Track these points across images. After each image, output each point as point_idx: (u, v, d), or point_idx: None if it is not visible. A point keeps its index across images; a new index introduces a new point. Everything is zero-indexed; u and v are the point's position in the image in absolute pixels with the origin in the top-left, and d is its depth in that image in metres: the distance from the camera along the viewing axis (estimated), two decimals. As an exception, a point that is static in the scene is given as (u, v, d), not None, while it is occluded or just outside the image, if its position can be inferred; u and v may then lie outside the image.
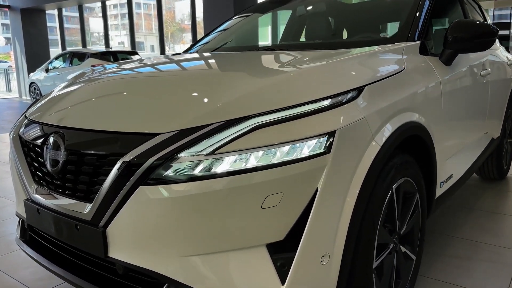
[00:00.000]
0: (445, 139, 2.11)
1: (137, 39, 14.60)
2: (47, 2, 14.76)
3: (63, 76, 11.69)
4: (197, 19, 11.84)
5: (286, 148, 1.30)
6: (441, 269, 2.27)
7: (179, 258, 1.31)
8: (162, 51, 12.27)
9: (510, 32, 15.39)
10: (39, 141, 1.63)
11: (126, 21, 14.27)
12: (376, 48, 1.91)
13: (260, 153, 1.28)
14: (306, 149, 1.31)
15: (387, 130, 1.55)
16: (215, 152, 1.28)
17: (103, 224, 1.37)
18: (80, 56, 11.75)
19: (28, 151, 1.72)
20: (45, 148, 1.58)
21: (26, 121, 1.83)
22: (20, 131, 1.79)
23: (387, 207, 1.60)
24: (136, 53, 11.89)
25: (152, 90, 1.63)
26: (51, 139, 1.56)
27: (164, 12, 12.92)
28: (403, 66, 1.81)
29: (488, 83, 2.83)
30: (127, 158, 1.32)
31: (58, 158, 1.51)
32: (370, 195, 1.46)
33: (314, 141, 1.32)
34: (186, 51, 2.92)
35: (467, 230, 2.78)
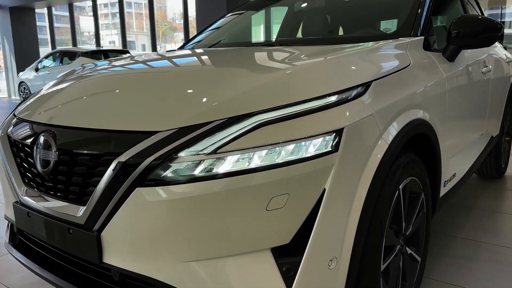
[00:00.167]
0: (449, 137, 2.06)
1: (128, 38, 14.46)
2: (36, 0, 14.56)
3: (53, 75, 11.52)
4: (189, 18, 11.74)
5: (291, 146, 1.23)
6: (445, 270, 2.22)
7: (179, 263, 1.24)
8: (154, 50, 12.15)
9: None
10: (28, 141, 1.55)
11: (117, 20, 14.14)
12: (380, 43, 1.85)
13: (265, 152, 1.21)
14: (313, 147, 1.25)
15: (395, 128, 1.49)
16: (217, 151, 1.21)
17: (98, 228, 1.30)
18: (71, 55, 11.59)
19: (17, 151, 1.63)
20: (35, 148, 1.49)
21: (15, 120, 1.74)
22: (9, 130, 1.70)
23: (394, 208, 1.54)
24: (128, 52, 11.77)
25: (149, 86, 1.55)
26: (41, 139, 1.48)
27: (155, 11, 12.79)
28: (409, 62, 1.75)
29: (489, 80, 2.79)
30: (123, 158, 1.24)
31: (49, 158, 1.43)
32: (378, 196, 1.40)
33: (321, 139, 1.26)
34: (180, 48, 2.84)
35: (468, 230, 2.73)
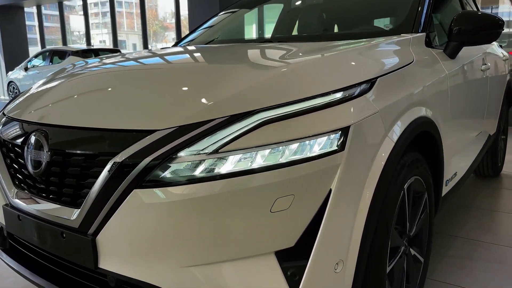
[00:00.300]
0: (451, 135, 2.03)
1: (119, 38, 14.32)
2: (25, -1, 14.38)
3: (42, 74, 11.36)
4: (181, 17, 11.64)
5: (296, 145, 1.18)
6: (446, 271, 2.19)
7: (179, 268, 1.18)
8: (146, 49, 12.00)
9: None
10: (19, 141, 1.47)
11: (107, 19, 13.99)
12: (382, 39, 1.80)
13: (269, 151, 1.16)
14: (319, 146, 1.20)
15: (400, 126, 1.45)
16: (219, 151, 1.15)
17: (93, 231, 1.23)
18: (61, 54, 11.44)
19: (6, 151, 1.56)
20: (26, 148, 1.42)
21: (4, 119, 1.67)
22: (-2, 129, 1.63)
23: (399, 208, 1.49)
24: (119, 51, 11.64)
25: (145, 83, 1.48)
26: (32, 138, 1.41)
27: (147, 10, 12.67)
28: (412, 58, 1.70)
29: (487, 78, 2.76)
30: (119, 158, 1.18)
31: (40, 159, 1.37)
32: (384, 196, 1.36)
33: (327, 137, 1.21)
34: (174, 46, 2.77)
35: (468, 229, 2.70)
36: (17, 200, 1.47)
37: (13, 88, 12.89)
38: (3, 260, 1.64)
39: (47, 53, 11.99)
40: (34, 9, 16.36)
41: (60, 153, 1.32)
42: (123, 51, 12.61)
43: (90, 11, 15.09)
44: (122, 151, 1.19)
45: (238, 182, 1.13)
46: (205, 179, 1.14)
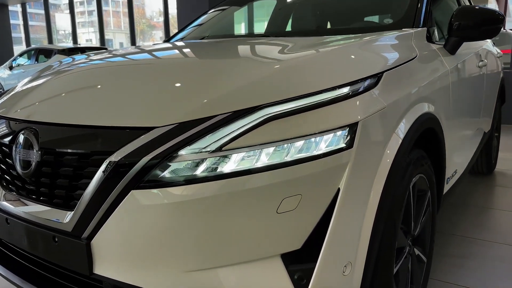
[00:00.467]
0: (452, 132, 1.99)
1: (105, 36, 14.13)
2: (9, -3, 14.10)
3: (28, 73, 11.13)
4: (169, 16, 11.51)
5: (303, 142, 1.12)
6: (447, 270, 2.15)
7: (180, 274, 1.12)
8: (133, 48, 11.78)
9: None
10: (6, 140, 1.39)
11: (93, 18, 13.80)
12: (384, 33, 1.75)
13: (275, 149, 1.10)
14: (327, 143, 1.14)
15: (407, 122, 1.40)
16: (222, 149, 1.09)
17: (87, 235, 1.16)
18: (47, 53, 11.22)
19: (-7, 151, 1.48)
20: (14, 147, 1.34)
21: (-10, 117, 1.58)
22: (-17, 128, 1.54)
23: (404, 207, 1.44)
24: (106, 50, 11.43)
25: (142, 78, 1.40)
26: (21, 137, 1.33)
27: (134, 8, 12.51)
28: (415, 53, 1.66)
29: (484, 74, 2.74)
30: (115, 157, 1.11)
31: (30, 158, 1.29)
32: (392, 195, 1.31)
33: (335, 134, 1.15)
34: (167, 41, 2.69)
35: (466, 227, 2.67)
36: (4, 203, 1.39)
37: (-2, 87, 12.64)
38: (-10, 266, 1.55)
39: (33, 52, 11.75)
40: (18, 8, 16.06)
41: (51, 152, 1.25)
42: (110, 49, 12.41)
43: (76, 10, 14.86)
44: (118, 149, 1.12)
45: (243, 182, 1.07)
46: (208, 178, 1.08)
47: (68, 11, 14.47)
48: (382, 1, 2.35)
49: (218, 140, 1.09)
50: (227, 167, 1.09)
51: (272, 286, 1.14)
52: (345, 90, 1.23)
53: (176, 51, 1.87)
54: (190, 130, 1.10)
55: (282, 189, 1.09)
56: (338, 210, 1.14)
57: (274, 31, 2.76)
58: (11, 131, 1.40)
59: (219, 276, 1.12)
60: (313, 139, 1.13)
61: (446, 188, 2.05)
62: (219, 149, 1.09)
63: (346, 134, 1.17)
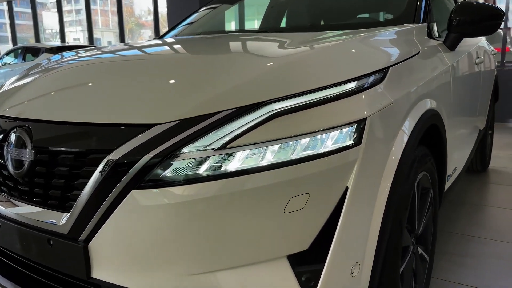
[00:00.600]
0: (453, 129, 1.97)
1: (94, 35, 13.95)
2: (-5, -5, 13.84)
3: (15, 72, 10.93)
4: (159, 14, 11.38)
5: (311, 139, 1.08)
6: (448, 268, 2.13)
7: (183, 277, 1.07)
8: (122, 47, 11.60)
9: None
10: (-3, 138, 1.33)
11: (81, 17, 13.62)
12: (386, 28, 1.72)
13: (282, 146, 1.06)
14: (335, 140, 1.10)
15: (413, 118, 1.37)
16: (227, 146, 1.04)
17: (85, 238, 1.11)
18: (34, 52, 11.03)
19: (-17, 151, 1.41)
20: (5, 146, 1.28)
21: (-21, 115, 1.51)
22: (-27, 127, 1.47)
23: (410, 206, 1.41)
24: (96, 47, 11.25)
25: (141, 73, 1.34)
26: (12, 136, 1.27)
27: (123, 7, 12.36)
28: (418, 49, 1.63)
29: (480, 71, 2.73)
30: (114, 156, 1.06)
31: (23, 158, 1.23)
32: (399, 193, 1.27)
33: (343, 130, 1.11)
34: (161, 38, 2.63)
35: (464, 225, 2.66)
36: (-4, 204, 1.33)
37: (-16, 87, 12.40)
38: (-20, 271, 1.49)
39: (20, 51, 11.55)
40: (4, 6, 15.79)
41: (45, 151, 1.19)
42: (99, 48, 12.21)
43: (63, 8, 14.66)
44: (117, 148, 1.07)
45: (249, 181, 1.03)
46: (212, 177, 1.03)
47: (55, 9, 14.27)
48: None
49: (222, 137, 1.05)
50: (232, 165, 1.04)
51: (279, 288, 1.10)
52: (352, 85, 1.19)
53: (175, 46, 1.81)
54: (193, 127, 1.06)
55: (289, 188, 1.05)
56: (347, 209, 1.11)
57: (270, 27, 2.70)
58: (2, 130, 1.34)
59: (223, 279, 1.08)
60: (321, 136, 1.09)
61: (447, 185, 2.03)
62: (224, 146, 1.04)
63: (354, 130, 1.13)
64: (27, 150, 1.22)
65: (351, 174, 1.11)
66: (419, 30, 1.80)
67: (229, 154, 1.04)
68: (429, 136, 1.64)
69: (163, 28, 11.63)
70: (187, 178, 1.04)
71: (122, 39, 11.74)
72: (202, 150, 1.04)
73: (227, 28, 3.08)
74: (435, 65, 1.74)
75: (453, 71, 1.93)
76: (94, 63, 1.60)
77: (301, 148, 1.07)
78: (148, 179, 1.04)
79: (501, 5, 7.36)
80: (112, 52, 1.76)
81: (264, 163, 1.04)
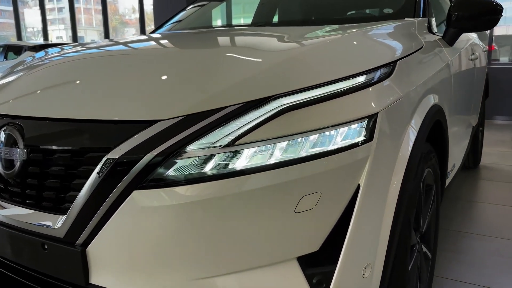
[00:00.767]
0: (452, 125, 1.95)
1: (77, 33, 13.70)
2: (-26, -8, 13.48)
3: (-3, 71, 10.68)
4: (144, 12, 11.22)
5: (322, 135, 1.03)
6: (447, 266, 2.11)
7: (188, 282, 1.01)
8: (107, 45, 11.37)
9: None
10: (-16, 137, 1.25)
11: (63, 15, 13.37)
12: (388, 22, 1.68)
13: (292, 143, 1.01)
14: (346, 136, 1.06)
15: (420, 113, 1.34)
16: (235, 143, 0.99)
17: (82, 241, 1.05)
18: (16, 50, 10.79)
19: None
20: (-5, 145, 1.21)
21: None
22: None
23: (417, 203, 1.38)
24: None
25: (142, 67, 1.27)
26: (2, 134, 1.20)
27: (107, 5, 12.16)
28: (422, 43, 1.59)
29: (475, 68, 2.72)
30: (115, 154, 1.00)
31: (13, 157, 1.16)
32: (409, 191, 1.23)
33: (355, 126, 1.07)
34: (152, 32, 2.55)
35: (459, 222, 2.65)
36: (-16, 207, 1.25)
37: (-36, 86, 12.09)
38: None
39: (1, 49, 11.30)
40: (-16, 3, 15.42)
41: (39, 150, 1.12)
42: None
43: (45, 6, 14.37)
44: (118, 146, 1.01)
45: (259, 179, 0.98)
46: (220, 176, 0.98)
47: (37, 7, 13.99)
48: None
49: (229, 134, 1.00)
50: (241, 163, 0.99)
51: (288, 292, 1.05)
52: (362, 79, 1.15)
53: (175, 39, 1.73)
54: (198, 124, 1.00)
55: (300, 187, 1.00)
56: (359, 208, 1.06)
57: (263, 22, 2.64)
58: (-10, 128, 1.26)
59: (230, 284, 1.03)
60: (332, 132, 1.04)
61: (447, 182, 2.01)
62: (232, 143, 0.99)
63: (365, 126, 1.08)
64: (18, 149, 1.15)
65: (363, 172, 1.07)
66: (420, 24, 1.77)
67: (237, 152, 0.99)
68: (433, 132, 1.61)
69: (148, 26, 11.46)
70: (192, 177, 0.98)
71: (106, 37, 11.55)
72: (208, 148, 0.98)
73: (225, 21, 2.99)
74: (437, 60, 1.71)
75: (453, 67, 1.90)
76: (89, 57, 1.52)
77: (312, 144, 1.02)
78: (151, 179, 0.98)
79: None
80: (107, 46, 1.69)
81: (274, 160, 0.99)
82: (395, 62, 1.28)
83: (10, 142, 1.17)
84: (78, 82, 1.25)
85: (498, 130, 5.71)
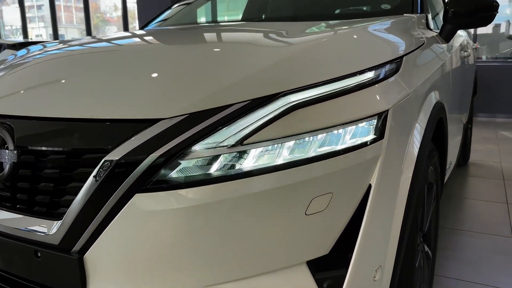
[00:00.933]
0: (451, 123, 1.93)
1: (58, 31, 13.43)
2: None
3: (-26, 71, 10.37)
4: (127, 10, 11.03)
5: (333, 134, 0.99)
6: (445, 264, 2.10)
7: (196, 289, 0.96)
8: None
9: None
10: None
11: (42, 13, 13.08)
12: (389, 18, 1.65)
13: (301, 142, 0.97)
14: (357, 134, 1.02)
15: (426, 110, 1.31)
16: (243, 143, 0.94)
17: (79, 248, 0.98)
18: (-6, 48, 10.52)
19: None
20: (-19, 147, 1.13)
21: None
22: None
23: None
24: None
25: (141, 63, 1.21)
26: (-11, 135, 1.12)
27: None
28: (423, 39, 1.57)
29: (467, 64, 2.72)
30: (114, 155, 0.94)
31: (3, 159, 1.08)
32: (417, 190, 1.20)
33: (365, 124, 1.03)
34: (141, 28, 2.47)
35: (454, 219, 2.65)
36: (-29, 213, 1.17)
37: None
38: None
39: (-21, 47, 10.99)
40: (-40, 0, 15.00)
41: (31, 151, 1.05)
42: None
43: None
44: (117, 146, 0.95)
45: (269, 180, 0.93)
46: (227, 178, 0.93)
47: (15, 5, 13.65)
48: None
49: (237, 133, 0.94)
50: (249, 163, 0.94)
51: (298, 297, 1.00)
52: (370, 74, 1.11)
53: (174, 35, 1.66)
54: (203, 122, 0.95)
55: (311, 188, 0.96)
56: (370, 209, 1.02)
57: (258, 16, 2.58)
58: (-25, 129, 1.18)
59: None
60: (342, 130, 1.00)
61: (444, 180, 1.99)
62: (240, 143, 0.94)
63: (376, 124, 1.05)
64: (7, 150, 1.08)
65: (374, 171, 1.03)
66: (419, 20, 1.74)
67: (246, 152, 0.94)
68: (435, 129, 1.58)
69: (130, 24, 11.28)
70: (198, 179, 0.93)
71: (89, 35, 11.35)
72: (216, 147, 0.93)
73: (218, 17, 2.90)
74: (437, 56, 1.69)
75: (450, 64, 1.89)
76: (83, 53, 1.45)
77: (323, 143, 0.98)
78: (154, 181, 0.92)
79: None
80: (98, 42, 1.61)
81: (284, 160, 0.94)
82: (401, 57, 1.24)
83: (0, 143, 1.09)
84: (72, 78, 1.18)
85: (482, 127, 5.77)
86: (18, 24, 13.76)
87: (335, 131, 0.99)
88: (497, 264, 2.10)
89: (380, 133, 1.05)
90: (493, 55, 7.49)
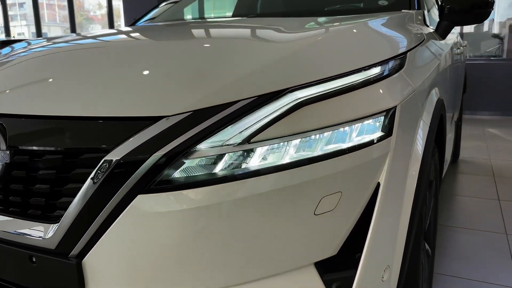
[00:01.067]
0: (447, 119, 1.92)
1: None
2: None
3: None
4: (105, 9, 10.87)
5: (342, 131, 0.96)
6: (443, 262, 2.09)
7: (202, 293, 0.92)
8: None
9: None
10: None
11: (24, 11, 12.83)
12: (388, 14, 1.63)
13: (310, 139, 0.93)
14: (366, 131, 0.99)
15: (429, 107, 1.29)
16: (250, 141, 0.90)
17: (77, 253, 0.94)
18: (-24, 47, 10.28)
19: None
20: (-29, 147, 1.07)
21: None
22: None
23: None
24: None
25: (140, 59, 1.16)
26: (-21, 135, 1.06)
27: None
28: (423, 35, 1.55)
29: (459, 62, 2.73)
30: (115, 155, 0.90)
31: (-6, 160, 1.03)
32: (423, 188, 1.18)
33: (374, 120, 1.00)
34: (132, 25, 2.41)
35: (448, 216, 2.65)
36: (-40, 217, 1.11)
37: None
38: None
39: (-41, 46, 10.72)
40: None
41: (25, 151, 1.00)
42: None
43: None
44: (117, 146, 0.91)
45: (278, 180, 0.90)
46: (234, 177, 0.89)
47: (-2, 2, 13.36)
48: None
49: (243, 130, 0.91)
50: (257, 162, 0.90)
51: (306, 300, 0.97)
52: (377, 70, 1.08)
53: (174, 30, 1.60)
54: (208, 120, 0.91)
55: (321, 187, 0.93)
56: (379, 208, 1.00)
57: (263, 12, 2.51)
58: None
59: None
60: (351, 127, 0.97)
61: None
62: (247, 141, 0.90)
63: (384, 120, 1.02)
64: (0, 150, 1.02)
65: (383, 169, 1.01)
66: (418, 16, 1.73)
67: (253, 150, 0.90)
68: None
69: (115, 23, 11.12)
70: (204, 179, 0.89)
71: (73, 33, 11.16)
72: (222, 146, 0.89)
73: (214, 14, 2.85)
74: (436, 52, 1.67)
75: (447, 60, 1.88)
76: (78, 49, 1.39)
77: (331, 141, 0.95)
78: (158, 181, 0.88)
79: None
80: (93, 38, 1.55)
81: (292, 159, 0.91)
82: (405, 53, 1.22)
83: (-10, 143, 1.04)
84: (68, 75, 1.12)
85: (469, 125, 5.82)
86: (0, 22, 13.48)
87: (344, 129, 0.96)
88: (492, 260, 2.10)
89: (388, 130, 1.02)
90: (478, 53, 7.57)
